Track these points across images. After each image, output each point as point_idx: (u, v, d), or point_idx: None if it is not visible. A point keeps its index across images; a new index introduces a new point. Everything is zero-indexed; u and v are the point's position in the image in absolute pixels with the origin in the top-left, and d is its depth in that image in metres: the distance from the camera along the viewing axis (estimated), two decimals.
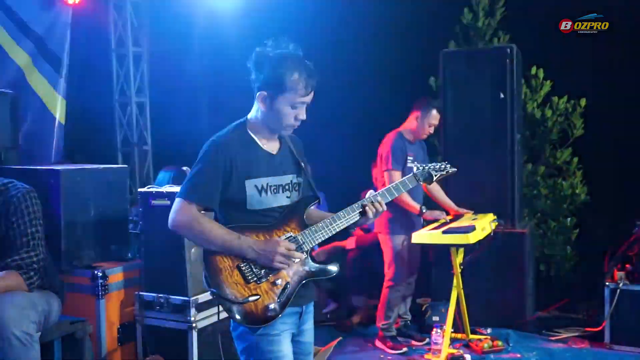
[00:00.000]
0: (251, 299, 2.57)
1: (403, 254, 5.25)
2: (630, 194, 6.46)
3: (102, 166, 4.69)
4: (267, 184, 2.69)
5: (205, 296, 4.20)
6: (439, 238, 4.75)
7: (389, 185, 2.90)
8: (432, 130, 5.34)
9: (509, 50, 5.68)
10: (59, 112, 6.94)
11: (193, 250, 4.16)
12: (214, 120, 8.05)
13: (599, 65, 6.73)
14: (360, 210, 2.78)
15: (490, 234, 5.12)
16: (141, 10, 7.51)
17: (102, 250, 4.52)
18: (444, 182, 4.92)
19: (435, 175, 3.11)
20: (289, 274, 2.66)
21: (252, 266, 2.61)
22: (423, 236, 4.86)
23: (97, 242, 4.48)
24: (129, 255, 4.68)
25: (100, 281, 4.23)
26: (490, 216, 5.29)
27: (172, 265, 4.17)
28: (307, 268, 2.71)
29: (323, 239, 2.75)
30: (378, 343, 5.42)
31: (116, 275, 4.37)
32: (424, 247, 5.37)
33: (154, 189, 4.28)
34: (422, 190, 5.38)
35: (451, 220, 5.22)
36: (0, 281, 3.37)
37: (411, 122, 5.34)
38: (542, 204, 6.89)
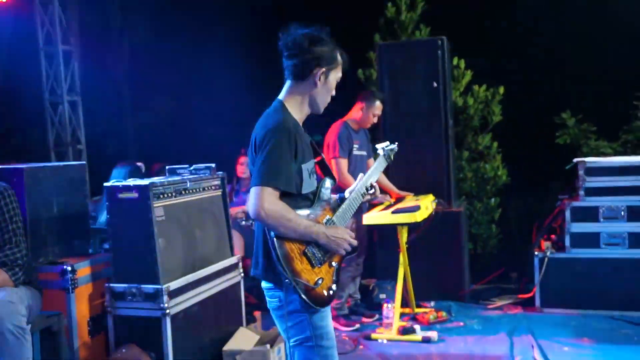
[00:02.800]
0: (319, 282, 2.69)
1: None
2: (545, 173, 7.07)
3: (62, 163, 4.70)
4: (311, 167, 2.82)
5: (177, 283, 4.32)
6: (389, 218, 5.07)
7: (369, 171, 3.17)
8: (375, 119, 5.65)
9: (439, 42, 6.05)
10: None
11: (160, 240, 4.27)
12: (139, 118, 8.09)
13: (513, 55, 7.32)
14: (366, 193, 3.07)
15: (432, 213, 5.50)
16: (69, 8, 7.41)
17: (66, 245, 4.53)
18: (385, 168, 5.23)
19: (392, 154, 3.41)
20: (339, 255, 2.82)
21: (315, 251, 2.70)
22: (373, 217, 5.15)
23: (61, 238, 4.49)
24: (90, 250, 4.73)
25: (70, 276, 4.26)
26: (431, 197, 5.68)
27: (142, 255, 4.23)
28: None
29: (349, 219, 2.99)
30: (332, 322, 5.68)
31: (84, 269, 4.39)
32: (368, 229, 5.68)
33: (120, 182, 4.35)
34: None
35: (395, 203, 5.56)
36: None
37: (356, 113, 5.63)
38: (467, 186, 7.38)
